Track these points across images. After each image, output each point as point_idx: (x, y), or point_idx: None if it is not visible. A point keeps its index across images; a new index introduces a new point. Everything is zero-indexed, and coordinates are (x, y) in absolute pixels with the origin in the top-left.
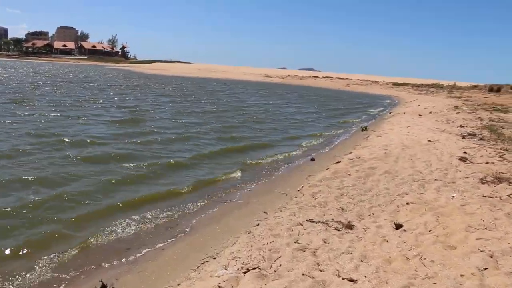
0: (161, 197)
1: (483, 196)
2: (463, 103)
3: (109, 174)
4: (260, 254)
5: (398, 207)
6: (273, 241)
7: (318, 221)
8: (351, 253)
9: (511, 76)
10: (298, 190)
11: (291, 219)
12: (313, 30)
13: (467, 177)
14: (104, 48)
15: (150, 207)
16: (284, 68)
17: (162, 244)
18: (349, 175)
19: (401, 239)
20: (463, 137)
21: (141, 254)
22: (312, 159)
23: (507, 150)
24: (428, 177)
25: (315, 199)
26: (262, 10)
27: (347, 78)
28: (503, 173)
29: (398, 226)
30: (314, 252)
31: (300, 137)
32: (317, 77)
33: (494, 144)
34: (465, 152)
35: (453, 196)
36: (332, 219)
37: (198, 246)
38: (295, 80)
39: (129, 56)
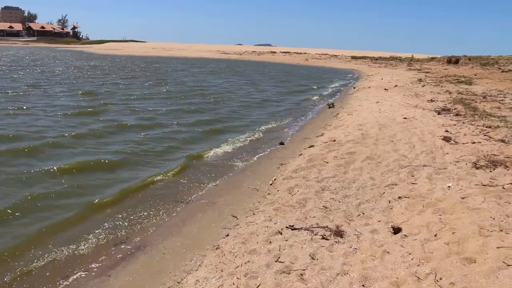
0: (107, 204)
1: (483, 185)
2: (425, 76)
3: (32, 183)
4: (234, 284)
5: (389, 202)
6: (248, 261)
7: (301, 228)
8: (348, 274)
9: (464, 47)
10: (271, 184)
11: (268, 225)
12: (268, 5)
13: (457, 161)
14: (54, 29)
15: (93, 217)
16: (240, 44)
17: (109, 269)
18: (327, 162)
19: (405, 249)
20: (439, 113)
21: None
22: (281, 143)
23: (489, 127)
24: (415, 163)
25: (292, 195)
26: None
27: (305, 53)
28: (495, 155)
29: (397, 230)
30: (302, 275)
31: (264, 118)
32: (274, 52)
33: (473, 120)
34: (446, 131)
35: (449, 186)
36: (317, 224)
37: (155, 269)
38: (252, 56)
39: (81, 36)
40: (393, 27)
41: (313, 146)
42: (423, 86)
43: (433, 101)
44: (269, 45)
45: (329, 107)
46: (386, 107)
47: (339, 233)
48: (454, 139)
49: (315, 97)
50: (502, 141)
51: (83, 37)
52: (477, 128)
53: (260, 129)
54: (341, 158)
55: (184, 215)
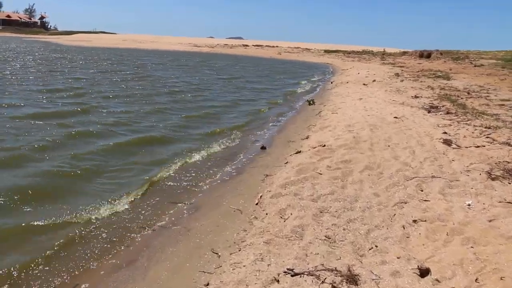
0: (42, 229)
1: (507, 202)
2: (402, 70)
3: None
4: None
5: (404, 228)
6: None
7: (303, 273)
8: None
9: (434, 41)
10: (257, 204)
11: (259, 269)
12: None
13: (468, 170)
14: (20, 18)
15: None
16: (212, 37)
17: None
18: (321, 174)
19: None
20: (429, 111)
21: None
22: (263, 147)
23: (488, 127)
24: (421, 173)
25: (285, 221)
26: None
27: (277, 46)
28: (508, 162)
29: (424, 272)
30: None
31: (241, 117)
32: (247, 45)
33: (467, 120)
34: (445, 133)
35: (469, 205)
36: (323, 265)
37: None
38: (224, 49)
39: (49, 27)
40: (363, 21)
41: (300, 152)
42: (402, 81)
43: (418, 97)
44: (241, 38)
45: (309, 104)
46: (371, 104)
47: (352, 278)
48: (455, 142)
49: (293, 93)
50: (508, 144)
51: (51, 27)
52: (475, 129)
53: (238, 131)
54: (336, 168)
55: (149, 250)
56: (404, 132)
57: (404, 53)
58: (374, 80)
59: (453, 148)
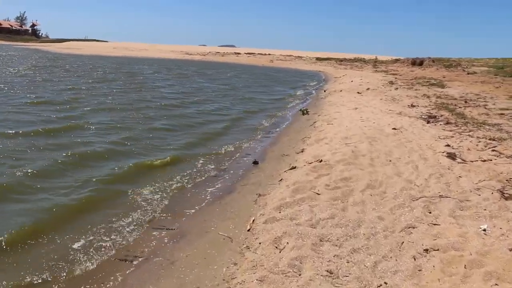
0: None
1: None
2: (395, 78)
3: None
4: None
5: (415, 259)
6: None
7: None
8: None
9: (423, 49)
10: (249, 230)
11: None
12: (232, 6)
13: (478, 189)
14: (11, 26)
15: None
16: (204, 45)
17: None
18: (319, 194)
19: None
20: (428, 122)
21: None
22: (255, 162)
23: (493, 139)
24: (427, 192)
25: (280, 252)
26: None
27: (269, 54)
28: None
29: None
30: None
31: (231, 128)
32: (239, 53)
33: (468, 130)
34: (447, 145)
35: (485, 230)
36: None
37: None
38: (216, 57)
39: (40, 34)
40: (354, 29)
41: (295, 168)
42: (396, 89)
43: (414, 106)
44: (233, 46)
45: (303, 114)
46: (367, 114)
47: None
48: (460, 156)
49: (285, 102)
50: None
51: (43, 35)
52: (479, 141)
53: (228, 143)
54: (335, 188)
55: None
56: (405, 145)
57: (397, 60)
58: (368, 88)
59: (458, 162)
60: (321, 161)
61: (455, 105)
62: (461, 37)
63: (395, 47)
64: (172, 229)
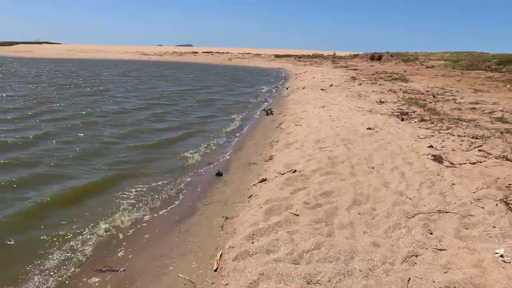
0: None
1: None
2: (357, 73)
3: None
4: None
5: None
6: None
7: None
8: None
9: (377, 44)
10: (216, 270)
11: None
12: (188, 6)
13: (478, 199)
14: None
15: None
16: (161, 45)
17: None
18: (297, 216)
19: None
20: (402, 119)
21: None
22: (219, 174)
23: (475, 137)
24: (422, 205)
25: None
26: None
27: (227, 52)
28: None
29: None
30: None
31: (190, 133)
32: (196, 52)
33: (445, 128)
34: (430, 146)
35: (502, 256)
36: None
37: None
38: (173, 57)
39: None
40: (311, 27)
41: (266, 180)
42: (360, 84)
43: (383, 102)
44: (190, 45)
45: (267, 114)
46: (336, 112)
47: None
48: (447, 158)
49: (247, 102)
50: (507, 158)
51: None
52: (462, 140)
53: (186, 152)
54: (316, 206)
55: None
56: (385, 147)
57: (355, 56)
58: (331, 85)
59: (447, 166)
60: (295, 171)
61: (424, 100)
62: (410, 33)
63: (350, 44)
64: (118, 271)
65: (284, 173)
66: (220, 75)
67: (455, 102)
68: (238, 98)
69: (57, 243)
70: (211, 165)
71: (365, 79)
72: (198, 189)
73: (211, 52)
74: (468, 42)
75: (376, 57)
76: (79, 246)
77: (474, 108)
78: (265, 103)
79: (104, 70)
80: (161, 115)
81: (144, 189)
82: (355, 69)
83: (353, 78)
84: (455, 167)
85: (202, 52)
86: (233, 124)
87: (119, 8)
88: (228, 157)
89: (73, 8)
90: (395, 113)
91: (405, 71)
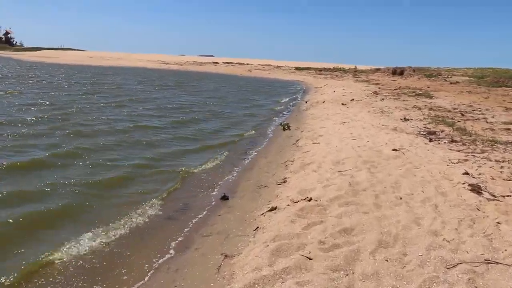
0: None
1: None
2: (379, 88)
3: None
4: None
5: None
6: None
7: None
8: None
9: (400, 59)
10: None
11: None
12: (212, 16)
13: None
14: None
15: None
16: (183, 54)
17: None
18: (310, 259)
19: None
20: (430, 140)
21: None
22: (224, 197)
23: None
24: (464, 251)
25: None
26: None
27: (248, 64)
28: None
29: None
30: None
31: (199, 147)
32: (217, 63)
33: (480, 151)
34: (466, 173)
35: None
36: None
37: None
38: (193, 66)
39: (14, 43)
40: (331, 39)
41: (276, 209)
42: (382, 100)
43: (408, 120)
44: (212, 55)
45: (284, 129)
46: (358, 130)
47: None
48: (486, 188)
49: (263, 115)
50: None
51: (17, 43)
52: (501, 166)
53: (191, 166)
54: (334, 247)
55: None
56: (413, 173)
57: (377, 70)
58: (352, 99)
59: (488, 199)
60: (310, 199)
61: (452, 118)
62: (431, 46)
63: (371, 57)
64: None
65: (298, 201)
66: (238, 86)
67: (486, 122)
68: (254, 110)
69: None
70: (218, 187)
71: (387, 94)
72: (199, 216)
73: (231, 62)
74: (489, 58)
75: (398, 72)
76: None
77: (509, 129)
78: (283, 117)
79: (118, 78)
80: (171, 127)
81: (140, 211)
82: (376, 84)
83: (375, 93)
84: (498, 200)
85: (223, 62)
86: (247, 139)
87: (143, 16)
88: (237, 177)
89: (99, 15)
90: (422, 132)
91: (428, 87)
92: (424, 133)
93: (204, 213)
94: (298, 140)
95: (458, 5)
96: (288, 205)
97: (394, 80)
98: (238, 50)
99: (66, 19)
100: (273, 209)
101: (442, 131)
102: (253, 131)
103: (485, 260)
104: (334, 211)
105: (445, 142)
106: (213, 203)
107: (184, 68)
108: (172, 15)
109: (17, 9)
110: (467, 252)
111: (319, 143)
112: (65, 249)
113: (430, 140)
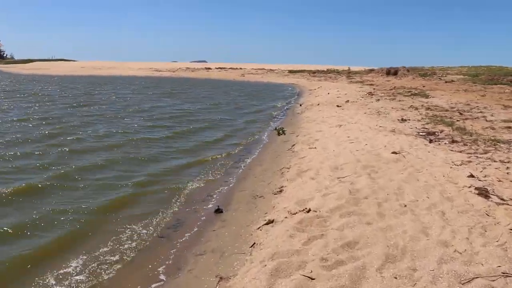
0: None
1: None
2: (373, 89)
3: None
4: None
5: None
6: None
7: None
8: None
9: (392, 59)
10: None
11: None
12: (204, 22)
13: None
14: None
15: None
16: (175, 61)
17: None
18: (312, 279)
19: None
20: (430, 141)
21: None
22: (218, 210)
23: None
24: (478, 263)
25: None
26: (152, 5)
27: (241, 68)
28: None
29: None
30: None
31: (190, 155)
32: (210, 68)
33: (482, 151)
34: (471, 176)
35: None
36: None
37: None
38: (186, 73)
39: (5, 55)
40: (324, 41)
41: (273, 222)
42: (378, 100)
43: (405, 120)
44: (205, 61)
45: (279, 134)
46: (355, 133)
47: None
48: (494, 192)
49: (257, 119)
50: None
51: (7, 56)
52: (507, 167)
53: (183, 179)
54: (337, 264)
55: None
56: (416, 177)
57: (371, 71)
58: (347, 101)
59: (497, 203)
60: (308, 210)
61: (451, 117)
62: (423, 46)
63: (363, 59)
64: None
65: (296, 212)
66: (230, 91)
67: (486, 120)
68: (247, 116)
69: None
70: (211, 198)
71: (383, 94)
72: (191, 232)
73: (224, 68)
74: (482, 56)
75: (392, 72)
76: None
77: (510, 127)
78: (277, 121)
79: (110, 88)
80: (165, 138)
81: (126, 227)
82: (371, 84)
83: (370, 93)
84: (508, 204)
85: (215, 68)
86: (241, 145)
87: (130, 24)
88: (231, 187)
89: (88, 25)
90: (421, 133)
91: (424, 86)
92: (424, 134)
93: (197, 229)
94: (294, 145)
95: (451, 5)
96: (285, 217)
97: (388, 81)
98: (231, 55)
99: (56, 29)
100: (270, 222)
101: (442, 131)
102: (247, 136)
103: (502, 273)
104: (335, 222)
105: (445, 143)
106: (207, 217)
107: (177, 75)
108: (164, 22)
109: (7, 22)
110: (482, 264)
111: (315, 147)
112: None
113: (430, 141)
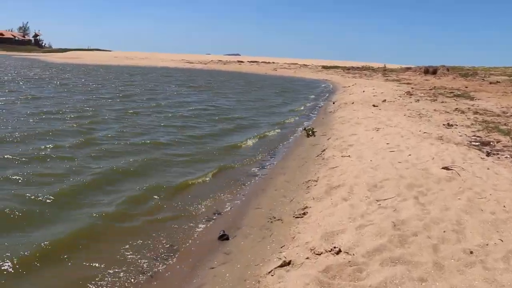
0: None
1: None
2: (412, 88)
3: None
4: None
5: None
6: None
7: None
8: None
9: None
10: None
11: None
12: (238, 16)
13: None
14: (14, 36)
15: None
16: (209, 54)
17: None
18: None
19: None
20: (488, 154)
21: None
22: (223, 237)
23: None
24: None
25: None
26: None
27: (274, 62)
28: None
29: None
30: None
31: (201, 162)
32: (242, 61)
33: None
34: None
35: None
36: None
37: None
38: (218, 65)
39: (43, 44)
40: (359, 37)
41: (290, 264)
42: (418, 101)
43: (452, 125)
44: (238, 55)
45: (308, 135)
46: (396, 138)
47: None
48: None
49: (284, 118)
50: None
51: (46, 45)
52: None
53: (190, 193)
54: None
55: None
56: (479, 205)
57: (408, 69)
58: (384, 100)
59: None
60: (338, 251)
61: (505, 124)
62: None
63: (399, 57)
64: None
65: (321, 252)
66: (260, 85)
67: None
68: (277, 113)
69: None
70: (218, 217)
71: (422, 94)
72: (184, 266)
73: (256, 61)
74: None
75: (431, 71)
76: None
77: None
78: (307, 120)
79: (139, 78)
80: (185, 141)
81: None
82: (408, 83)
83: (409, 93)
84: None
85: (248, 61)
86: (264, 146)
87: (167, 15)
88: (245, 201)
89: (127, 16)
90: (474, 143)
91: (466, 87)
92: (477, 143)
93: (192, 261)
94: (324, 150)
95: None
96: (307, 257)
97: (427, 80)
98: (265, 49)
99: (95, 21)
100: (285, 264)
101: (498, 141)
102: (273, 136)
103: None
104: (375, 274)
105: (506, 157)
106: (209, 245)
107: (208, 67)
108: (199, 15)
109: (47, 12)
110: None
111: (349, 156)
112: None
113: (488, 154)
